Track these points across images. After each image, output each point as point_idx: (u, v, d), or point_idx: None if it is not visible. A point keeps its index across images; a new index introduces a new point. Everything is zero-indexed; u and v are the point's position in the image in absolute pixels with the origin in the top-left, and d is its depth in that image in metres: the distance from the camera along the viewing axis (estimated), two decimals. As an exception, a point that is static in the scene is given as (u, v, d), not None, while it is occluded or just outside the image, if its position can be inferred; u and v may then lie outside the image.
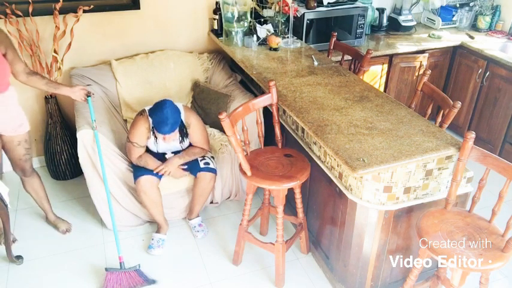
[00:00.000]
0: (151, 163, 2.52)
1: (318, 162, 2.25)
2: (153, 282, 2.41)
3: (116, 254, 2.58)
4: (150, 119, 2.43)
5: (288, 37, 3.06)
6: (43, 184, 2.63)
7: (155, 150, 2.59)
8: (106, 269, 2.35)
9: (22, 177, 2.53)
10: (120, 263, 2.38)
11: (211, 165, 2.65)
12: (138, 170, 2.52)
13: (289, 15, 2.98)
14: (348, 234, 2.15)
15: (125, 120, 3.06)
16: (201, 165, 2.61)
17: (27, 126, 2.41)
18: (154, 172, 2.50)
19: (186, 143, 2.61)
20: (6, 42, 2.18)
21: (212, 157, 2.72)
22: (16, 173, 2.50)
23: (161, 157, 2.60)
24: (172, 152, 2.63)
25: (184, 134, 2.54)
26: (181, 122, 2.48)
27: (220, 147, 2.82)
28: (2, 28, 2.26)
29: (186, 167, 2.61)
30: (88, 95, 2.45)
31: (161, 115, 2.32)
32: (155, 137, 2.49)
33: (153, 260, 2.57)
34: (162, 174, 2.53)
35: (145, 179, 2.49)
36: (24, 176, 2.51)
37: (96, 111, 2.69)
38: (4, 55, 2.17)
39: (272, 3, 3.12)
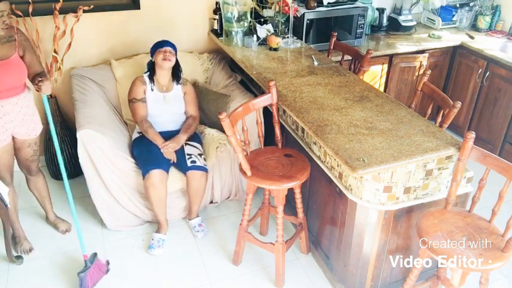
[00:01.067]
0: (157, 138, 2.63)
1: (318, 162, 2.25)
2: (108, 264, 2.48)
3: (116, 254, 2.59)
4: (145, 78, 2.73)
5: (288, 37, 3.06)
6: (47, 184, 2.64)
7: (157, 113, 2.71)
8: (78, 274, 2.31)
9: (27, 176, 2.54)
10: (85, 260, 2.36)
11: (198, 163, 2.61)
12: (147, 165, 2.52)
13: (289, 15, 2.98)
14: (348, 234, 2.15)
15: (125, 122, 3.06)
16: (188, 163, 2.60)
17: (40, 128, 2.42)
18: (161, 147, 2.59)
19: (177, 99, 2.77)
20: (25, 44, 2.25)
21: (200, 154, 2.68)
22: (21, 171, 2.51)
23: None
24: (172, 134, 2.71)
25: (179, 72, 2.79)
26: (179, 64, 2.78)
27: (219, 146, 2.81)
28: (22, 30, 2.31)
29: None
30: (37, 83, 2.18)
31: (161, 40, 2.74)
32: (152, 82, 2.71)
33: (153, 260, 2.57)
34: (166, 157, 2.60)
35: (156, 173, 2.49)
36: (30, 175, 2.52)
37: (97, 112, 2.70)
38: (22, 57, 2.21)
39: (272, 3, 3.12)
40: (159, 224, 2.68)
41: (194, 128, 2.79)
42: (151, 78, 2.72)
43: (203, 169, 2.63)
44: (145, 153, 2.59)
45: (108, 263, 2.48)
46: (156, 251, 2.60)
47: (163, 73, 2.71)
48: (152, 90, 2.71)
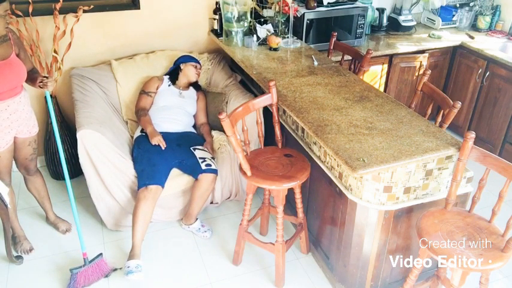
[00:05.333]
0: (147, 125, 2.74)
1: (318, 162, 2.25)
2: (114, 270, 2.47)
3: (115, 254, 2.59)
4: (164, 77, 3.02)
5: (288, 37, 3.06)
6: (45, 183, 2.64)
7: (172, 105, 2.87)
8: (71, 270, 2.34)
9: (25, 176, 2.53)
10: (84, 259, 2.38)
11: (213, 166, 2.65)
12: (146, 178, 2.51)
13: (289, 15, 2.98)
14: (348, 234, 2.15)
15: (126, 122, 3.06)
16: (203, 166, 2.61)
17: (37, 126, 2.44)
18: (151, 137, 2.66)
19: (191, 99, 3.01)
20: (19, 42, 2.27)
21: (212, 158, 2.73)
22: (20, 171, 2.51)
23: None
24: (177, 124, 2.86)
25: (196, 82, 3.07)
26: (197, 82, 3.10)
27: (220, 147, 2.82)
28: (13, 29, 2.32)
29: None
30: (41, 81, 2.25)
31: (192, 56, 3.10)
32: (172, 83, 2.98)
33: (153, 260, 2.57)
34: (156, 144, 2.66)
35: (153, 188, 2.47)
36: (28, 174, 2.52)
37: (97, 112, 2.70)
38: (17, 55, 2.22)
39: (272, 3, 3.12)
40: (133, 248, 2.44)
41: (210, 132, 2.97)
42: (171, 80, 2.99)
43: (216, 172, 2.66)
44: (145, 162, 2.58)
45: (114, 269, 2.47)
46: (137, 276, 2.33)
47: (185, 81, 3.00)
48: (169, 86, 2.97)
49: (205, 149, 2.76)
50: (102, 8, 3.00)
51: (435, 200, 2.05)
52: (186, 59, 3.04)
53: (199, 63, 3.06)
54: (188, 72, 2.97)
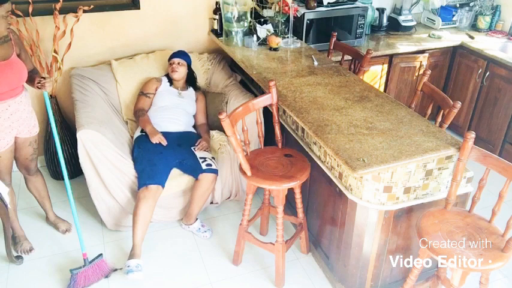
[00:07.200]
0: (146, 124, 2.75)
1: (318, 162, 2.25)
2: (114, 270, 2.47)
3: (115, 254, 2.59)
4: (163, 77, 3.01)
5: (288, 37, 3.06)
6: (45, 183, 2.63)
7: (168, 104, 2.87)
8: (71, 271, 2.34)
9: (26, 176, 2.53)
10: (84, 259, 2.38)
11: (213, 166, 2.65)
12: (147, 178, 2.51)
13: (289, 15, 2.98)
14: (348, 234, 2.15)
15: (126, 122, 3.06)
16: (203, 166, 2.61)
17: (38, 126, 2.44)
18: (151, 136, 2.67)
19: (190, 99, 2.99)
20: (20, 43, 2.28)
21: (213, 158, 2.73)
22: (20, 171, 2.51)
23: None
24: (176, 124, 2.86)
25: (192, 79, 3.05)
26: (193, 72, 3.07)
27: (220, 147, 2.82)
28: (14, 29, 2.32)
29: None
30: (39, 82, 2.24)
31: (176, 51, 3.03)
32: (170, 82, 2.98)
33: (153, 260, 2.57)
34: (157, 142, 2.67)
35: (153, 188, 2.47)
36: (28, 174, 2.52)
37: (97, 112, 2.70)
38: (18, 55, 2.22)
39: (272, 3, 3.12)
40: (133, 248, 2.44)
41: (208, 132, 2.96)
42: (170, 80, 2.99)
43: (216, 172, 2.66)
44: (146, 162, 2.58)
45: (114, 270, 2.47)
46: (137, 275, 2.34)
47: (175, 81, 2.97)
48: (170, 86, 2.97)
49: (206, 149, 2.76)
50: (102, 8, 2.99)
51: (435, 200, 2.06)
52: (170, 56, 2.99)
53: (180, 56, 2.96)
54: (169, 71, 2.96)
